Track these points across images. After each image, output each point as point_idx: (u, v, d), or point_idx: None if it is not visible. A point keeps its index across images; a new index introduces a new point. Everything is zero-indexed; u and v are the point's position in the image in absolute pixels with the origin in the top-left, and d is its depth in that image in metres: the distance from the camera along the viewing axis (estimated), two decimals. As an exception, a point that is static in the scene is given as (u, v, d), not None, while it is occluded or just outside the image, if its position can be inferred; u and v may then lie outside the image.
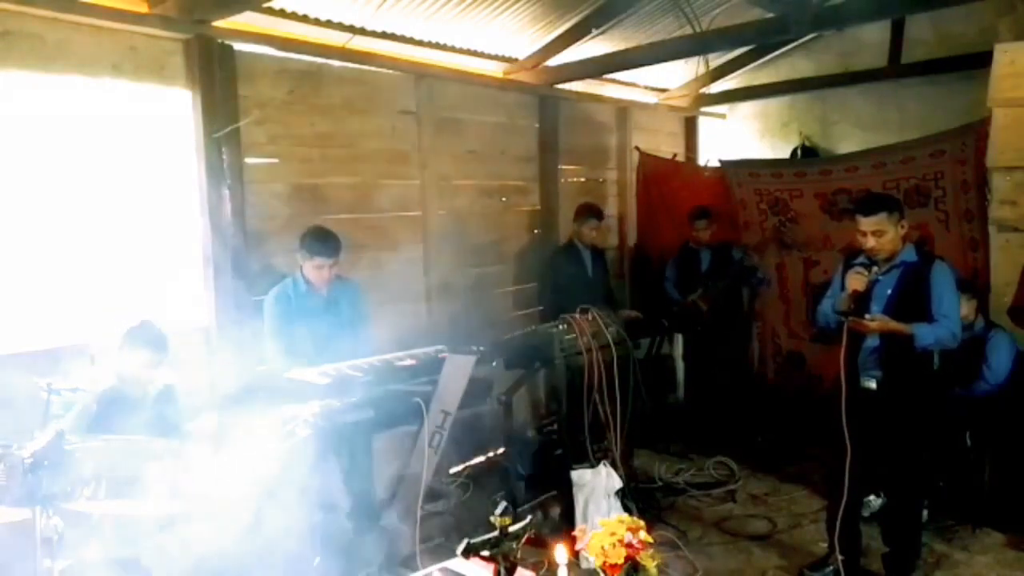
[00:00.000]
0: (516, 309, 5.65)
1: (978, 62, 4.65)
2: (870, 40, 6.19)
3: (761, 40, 5.93)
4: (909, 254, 3.36)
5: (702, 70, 6.43)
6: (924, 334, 3.23)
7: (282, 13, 4.02)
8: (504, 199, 5.61)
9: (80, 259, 3.43)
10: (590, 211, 5.31)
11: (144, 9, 3.54)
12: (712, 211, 5.52)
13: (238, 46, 3.92)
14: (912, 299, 3.29)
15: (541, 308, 5.50)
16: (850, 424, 3.29)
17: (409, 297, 4.89)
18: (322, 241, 3.64)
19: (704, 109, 7.33)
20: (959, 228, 5.00)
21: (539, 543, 2.56)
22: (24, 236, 3.27)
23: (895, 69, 6.06)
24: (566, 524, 3.79)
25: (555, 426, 4.34)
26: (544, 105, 5.78)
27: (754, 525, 4.26)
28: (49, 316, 3.33)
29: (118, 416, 2.88)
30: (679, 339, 6.06)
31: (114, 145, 3.52)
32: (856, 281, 3.27)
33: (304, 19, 4.14)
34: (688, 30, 5.12)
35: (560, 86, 5.74)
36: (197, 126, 3.77)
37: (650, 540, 2.21)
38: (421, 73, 4.83)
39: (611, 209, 6.57)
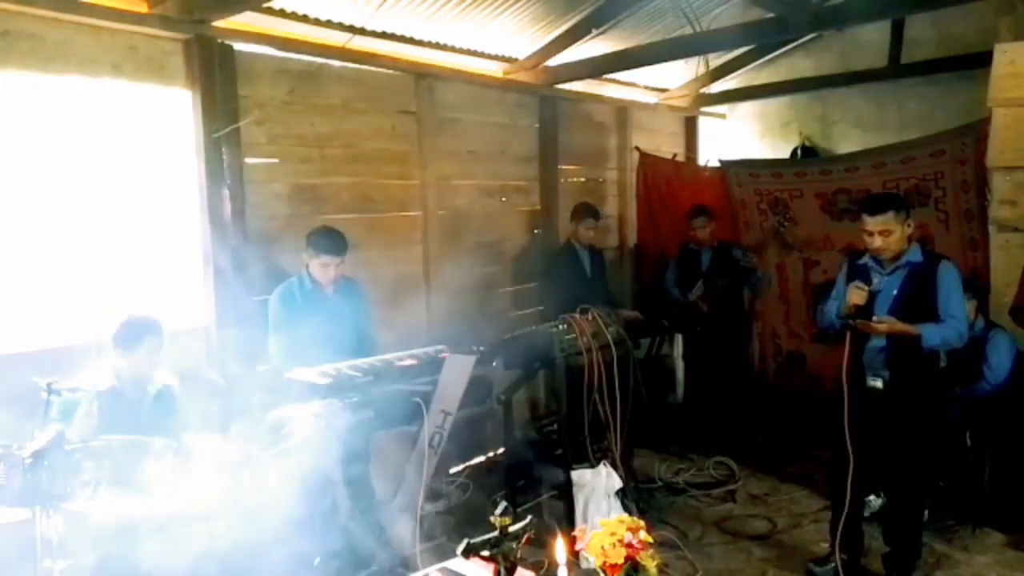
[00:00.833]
0: (516, 309, 5.65)
1: (978, 62, 4.65)
2: (870, 40, 6.19)
3: (761, 40, 5.94)
4: (915, 254, 3.35)
5: (702, 70, 6.44)
6: (931, 334, 3.23)
7: (282, 13, 4.02)
8: (504, 199, 5.61)
9: (80, 259, 3.43)
10: (587, 211, 5.30)
11: (144, 9, 3.54)
12: (711, 210, 5.51)
13: (238, 46, 3.92)
14: (918, 300, 3.29)
15: (541, 308, 5.50)
16: (852, 427, 3.29)
17: (409, 297, 4.89)
18: (329, 240, 3.68)
19: (704, 109, 7.33)
20: (959, 228, 5.00)
21: (539, 543, 2.56)
22: (24, 236, 3.27)
23: (895, 69, 6.07)
24: (566, 524, 3.79)
25: (555, 426, 4.34)
26: (544, 105, 5.78)
27: (754, 525, 4.26)
28: (49, 316, 3.33)
29: (118, 416, 2.89)
30: (679, 339, 6.06)
31: (114, 145, 3.52)
32: (856, 296, 3.27)
33: (304, 19, 4.14)
34: (688, 30, 5.12)
35: (560, 86, 5.74)
36: (197, 126, 3.76)
37: (650, 540, 2.21)
38: (421, 73, 4.83)
39: (611, 209, 6.57)
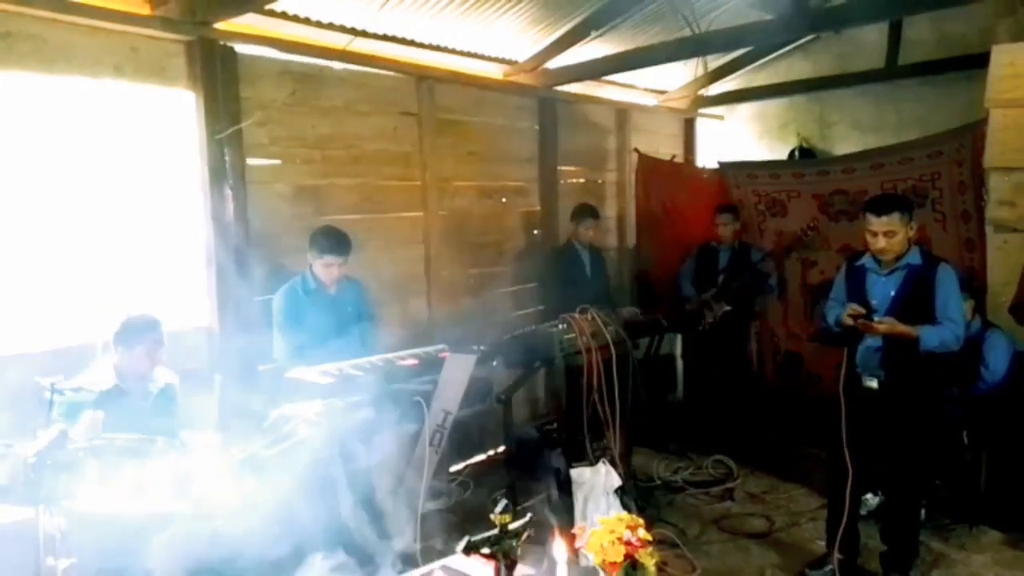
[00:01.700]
0: (516, 309, 5.67)
1: (976, 63, 4.65)
2: (868, 41, 6.20)
3: (759, 42, 5.95)
4: (914, 257, 3.37)
5: (701, 72, 6.46)
6: (929, 337, 3.25)
7: (284, 15, 4.04)
8: (504, 200, 5.63)
9: (83, 260, 3.45)
10: (586, 211, 5.34)
11: (146, 11, 3.56)
12: (738, 208, 5.50)
13: (240, 48, 3.94)
14: (916, 302, 3.31)
15: (541, 308, 5.52)
16: (850, 432, 3.31)
17: (410, 297, 4.91)
18: (333, 240, 3.72)
19: (703, 111, 7.35)
20: (956, 229, 5.02)
21: (538, 541, 2.57)
22: (27, 237, 3.29)
23: (893, 70, 6.06)
24: (566, 522, 3.80)
25: (554, 425, 4.35)
26: (544, 107, 5.80)
27: (752, 523, 4.28)
28: (52, 317, 3.35)
29: (120, 415, 2.90)
30: (679, 338, 6.07)
31: (116, 146, 3.54)
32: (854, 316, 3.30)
33: (306, 21, 4.16)
34: (687, 32, 5.14)
35: (560, 88, 5.76)
36: (199, 127, 3.79)
37: (649, 538, 2.23)
38: (422, 75, 4.85)
39: (610, 210, 6.59)
